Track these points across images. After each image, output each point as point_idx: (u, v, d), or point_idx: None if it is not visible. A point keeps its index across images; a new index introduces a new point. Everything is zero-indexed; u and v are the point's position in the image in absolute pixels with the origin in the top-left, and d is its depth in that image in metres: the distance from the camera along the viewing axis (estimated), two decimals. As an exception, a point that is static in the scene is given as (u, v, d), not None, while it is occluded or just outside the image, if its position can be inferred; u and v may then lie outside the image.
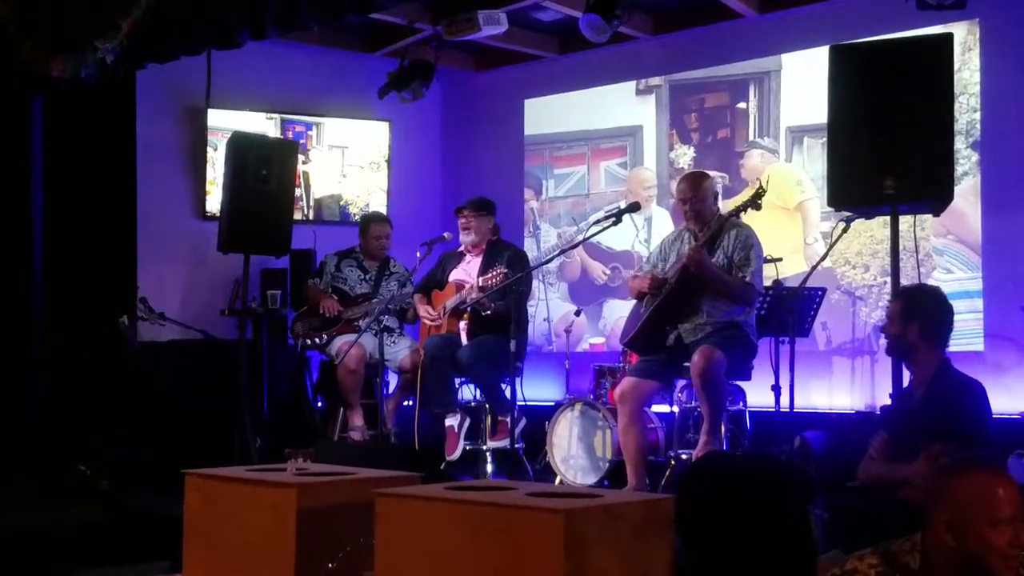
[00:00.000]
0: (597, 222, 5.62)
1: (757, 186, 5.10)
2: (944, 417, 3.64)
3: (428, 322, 6.27)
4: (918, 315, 3.85)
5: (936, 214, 4.72)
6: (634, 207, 5.52)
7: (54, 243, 6.27)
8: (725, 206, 5.76)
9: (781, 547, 1.68)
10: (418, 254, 6.18)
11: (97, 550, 4.54)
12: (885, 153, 4.15)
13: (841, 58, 4.34)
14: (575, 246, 6.19)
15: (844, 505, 3.75)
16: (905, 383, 4.25)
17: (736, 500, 1.67)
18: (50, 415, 5.91)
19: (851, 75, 4.30)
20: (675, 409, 5.77)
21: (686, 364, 5.09)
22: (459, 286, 6.13)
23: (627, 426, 5.18)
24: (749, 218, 5.26)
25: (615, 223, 5.35)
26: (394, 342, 6.38)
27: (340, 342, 6.30)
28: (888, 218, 4.43)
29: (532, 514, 1.98)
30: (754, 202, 5.07)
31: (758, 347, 5.32)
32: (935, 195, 4.25)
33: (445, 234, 6.30)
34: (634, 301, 5.56)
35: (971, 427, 3.66)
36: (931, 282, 5.69)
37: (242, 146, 5.74)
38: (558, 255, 6.38)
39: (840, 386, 6.60)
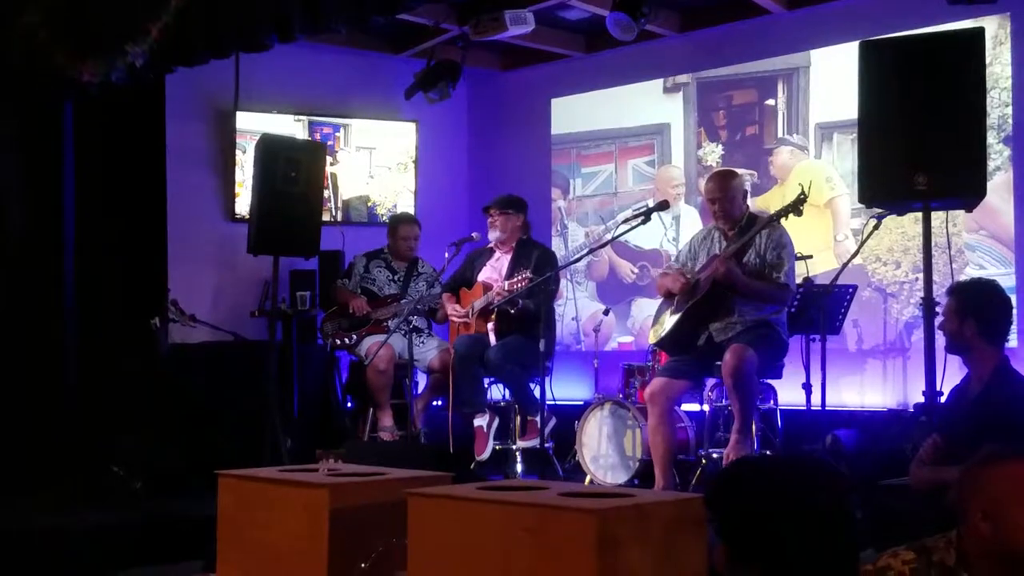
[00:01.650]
0: (625, 221, 5.61)
1: (800, 191, 5.06)
2: (999, 418, 3.54)
3: (457, 320, 6.28)
4: (973, 311, 3.74)
5: (969, 210, 4.66)
6: (663, 206, 5.50)
7: (85, 246, 6.32)
8: (756, 205, 5.72)
9: (820, 548, 1.67)
10: (446, 255, 6.20)
11: (130, 550, 4.57)
12: (916, 149, 4.11)
13: (871, 54, 4.30)
14: (603, 245, 6.18)
15: (877, 504, 3.72)
16: (941, 380, 4.21)
17: (770, 506, 1.66)
18: (83, 417, 5.96)
19: (881, 71, 4.26)
20: (705, 408, 5.75)
21: (717, 363, 5.07)
22: (487, 286, 6.14)
23: (656, 426, 5.16)
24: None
25: (643, 222, 5.34)
26: (423, 342, 6.40)
27: (369, 342, 6.33)
28: (920, 214, 4.39)
29: (565, 514, 1.97)
30: (796, 207, 5.02)
31: (789, 345, 5.29)
32: (968, 191, 4.20)
33: (473, 234, 6.31)
34: (661, 299, 5.54)
35: None
36: (962, 278, 5.63)
37: (270, 148, 5.77)
38: (586, 255, 6.37)
39: (872, 384, 6.56)
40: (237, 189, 7.37)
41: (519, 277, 5.78)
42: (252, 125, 7.27)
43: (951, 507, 2.40)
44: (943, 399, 4.18)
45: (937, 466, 3.69)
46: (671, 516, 2.10)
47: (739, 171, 5.86)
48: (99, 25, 5.46)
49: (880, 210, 4.66)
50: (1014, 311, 3.93)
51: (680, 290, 5.25)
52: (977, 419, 3.64)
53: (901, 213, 4.88)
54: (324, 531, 2.45)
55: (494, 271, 6.22)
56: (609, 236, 6.23)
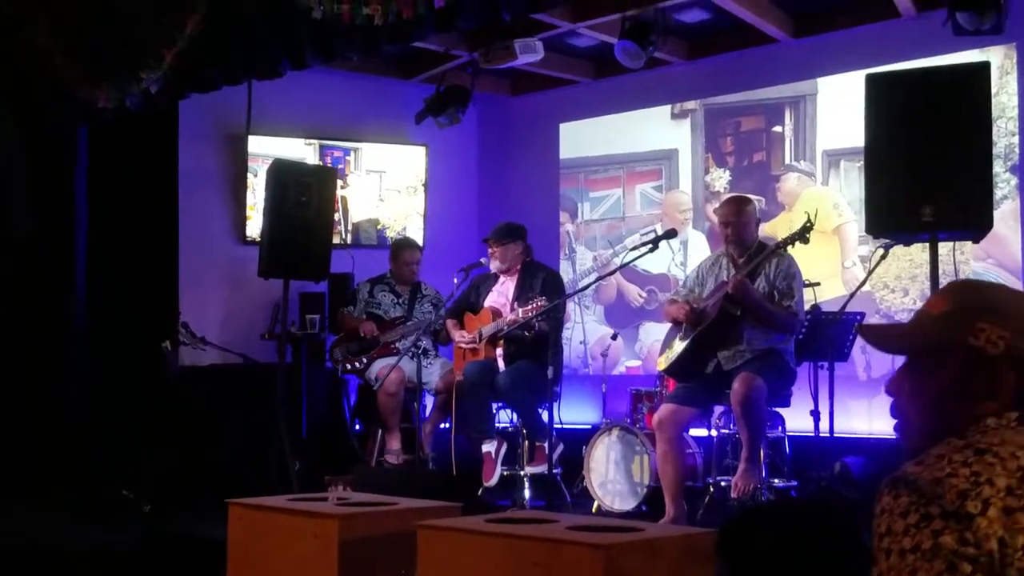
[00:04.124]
0: (634, 248, 5.63)
1: (806, 219, 5.09)
2: None
3: (464, 346, 6.31)
4: None
5: (976, 241, 4.69)
6: (671, 234, 5.52)
7: (98, 269, 6.37)
8: (763, 231, 5.73)
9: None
10: (455, 280, 6.23)
11: (140, 572, 4.59)
12: (923, 182, 4.12)
13: (877, 86, 4.33)
14: (611, 273, 6.20)
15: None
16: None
17: (783, 552, 1.68)
18: (93, 439, 5.99)
19: (887, 103, 4.28)
20: (713, 433, 5.76)
21: (725, 391, 5.08)
22: (495, 311, 6.16)
23: (665, 454, 5.15)
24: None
25: (651, 250, 5.36)
26: (430, 363, 6.44)
27: (379, 366, 6.36)
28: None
29: (573, 549, 2.00)
30: (802, 235, 5.06)
31: (797, 374, 5.30)
32: (975, 223, 4.21)
33: (482, 259, 6.34)
34: (669, 324, 5.56)
35: None
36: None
37: (282, 172, 5.81)
38: (595, 282, 6.39)
39: (880, 411, 6.55)
40: (248, 212, 7.41)
41: (533, 304, 5.79)
42: (264, 149, 7.33)
43: None
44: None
45: None
46: (679, 550, 2.12)
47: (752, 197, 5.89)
48: (114, 50, 5.52)
49: (887, 240, 4.68)
50: None
51: (685, 319, 5.27)
52: None
53: (908, 244, 4.91)
54: (334, 561, 2.47)
55: (501, 295, 6.24)
56: (618, 262, 6.26)
